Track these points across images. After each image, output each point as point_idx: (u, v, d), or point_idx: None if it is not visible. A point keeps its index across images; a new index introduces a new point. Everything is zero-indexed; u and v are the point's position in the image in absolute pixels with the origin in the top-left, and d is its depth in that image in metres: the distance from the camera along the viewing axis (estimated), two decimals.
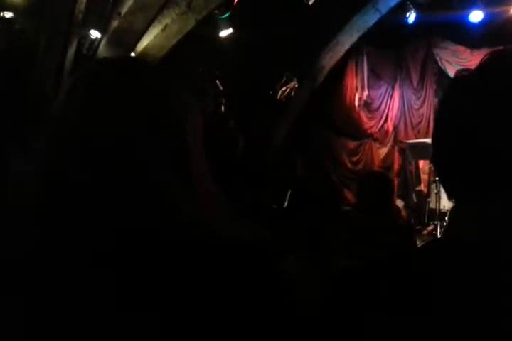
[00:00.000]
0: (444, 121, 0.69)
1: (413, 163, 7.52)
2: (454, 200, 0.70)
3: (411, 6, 6.55)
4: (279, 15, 5.87)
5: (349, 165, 7.48)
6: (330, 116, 7.37)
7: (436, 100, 7.73)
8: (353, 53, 7.28)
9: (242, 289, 0.62)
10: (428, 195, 7.11)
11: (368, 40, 7.01)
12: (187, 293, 0.61)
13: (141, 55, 4.62)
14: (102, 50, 4.38)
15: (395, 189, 7.44)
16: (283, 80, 6.73)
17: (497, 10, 6.67)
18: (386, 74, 7.74)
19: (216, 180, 0.71)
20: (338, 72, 7.21)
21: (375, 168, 7.34)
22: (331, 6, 5.78)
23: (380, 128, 7.74)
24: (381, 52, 7.58)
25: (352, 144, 7.61)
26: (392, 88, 7.80)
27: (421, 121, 7.69)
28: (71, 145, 0.66)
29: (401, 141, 7.47)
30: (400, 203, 7.28)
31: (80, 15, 4.10)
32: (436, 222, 6.23)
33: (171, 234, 0.63)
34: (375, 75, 7.64)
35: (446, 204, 6.17)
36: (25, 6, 4.06)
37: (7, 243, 0.64)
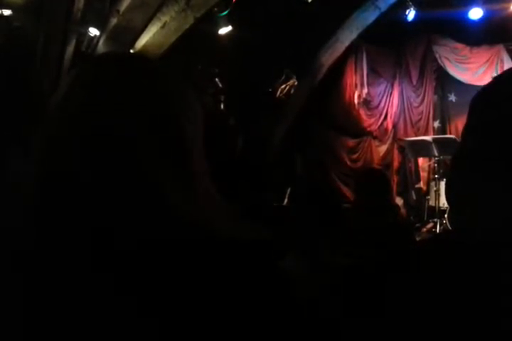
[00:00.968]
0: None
1: (412, 160, 7.52)
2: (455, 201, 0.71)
3: (410, 3, 6.54)
4: (278, 12, 5.86)
5: (348, 162, 7.48)
6: (329, 113, 7.37)
7: (435, 97, 7.73)
8: (353, 51, 7.27)
9: (243, 289, 0.62)
10: (427, 192, 7.13)
11: (368, 37, 7.00)
12: (186, 293, 0.60)
13: (140, 53, 4.60)
14: (101, 48, 4.37)
15: (395, 186, 7.44)
16: (282, 78, 6.72)
17: (496, 7, 6.66)
18: (385, 72, 7.73)
19: (215, 179, 0.71)
20: (338, 69, 7.19)
21: (375, 165, 7.34)
22: (330, 3, 5.77)
23: (379, 126, 7.73)
24: (380, 49, 7.57)
25: (351, 142, 7.60)
26: (392, 85, 7.79)
27: (420, 118, 7.69)
28: (70, 145, 0.65)
29: (400, 139, 7.47)
30: (399, 201, 7.29)
31: (79, 13, 4.09)
32: (435, 220, 6.24)
33: (170, 234, 0.62)
34: (375, 73, 7.63)
35: (445, 201, 6.18)
36: (23, 3, 4.05)
37: (6, 243, 0.64)
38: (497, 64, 7.01)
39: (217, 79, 6.02)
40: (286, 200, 5.34)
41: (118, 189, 0.63)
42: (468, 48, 7.24)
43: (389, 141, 7.77)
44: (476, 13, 6.50)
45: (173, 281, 0.61)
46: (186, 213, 0.64)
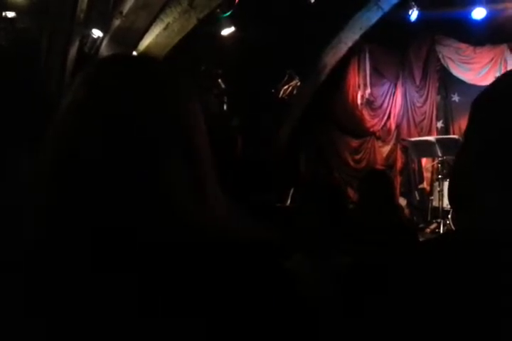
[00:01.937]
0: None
1: (416, 161, 7.50)
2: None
3: (413, 3, 6.53)
4: (281, 13, 5.86)
5: (352, 163, 7.47)
6: (332, 114, 7.36)
7: (438, 97, 7.71)
8: (356, 51, 7.27)
9: (248, 290, 0.63)
10: (431, 193, 7.11)
11: (371, 37, 6.99)
12: (192, 293, 0.61)
13: (146, 54, 4.62)
14: (104, 49, 4.38)
15: (398, 187, 7.43)
16: (285, 78, 6.71)
17: (500, 7, 6.65)
18: (388, 72, 7.71)
19: (218, 180, 0.71)
20: (341, 70, 7.19)
21: (378, 166, 7.33)
22: (333, 3, 5.77)
23: (382, 126, 7.72)
24: (383, 49, 7.56)
25: (354, 142, 7.59)
26: (395, 86, 7.78)
27: (424, 118, 7.67)
28: (80, 146, 0.65)
29: (403, 139, 7.45)
30: (402, 201, 7.27)
31: (82, 15, 4.10)
32: (439, 220, 6.22)
33: (179, 237, 0.63)
34: (378, 73, 7.62)
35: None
36: (27, 5, 4.06)
37: (8, 242, 0.64)
38: (500, 64, 6.99)
39: (220, 80, 6.03)
40: (289, 200, 5.35)
41: (128, 192, 0.63)
42: (471, 48, 7.22)
43: (392, 142, 7.76)
44: (479, 13, 6.49)
45: (180, 282, 0.61)
46: (196, 216, 0.65)
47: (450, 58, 7.37)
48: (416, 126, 7.70)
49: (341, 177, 7.17)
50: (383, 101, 7.71)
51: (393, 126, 7.75)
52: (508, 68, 6.57)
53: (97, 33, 4.34)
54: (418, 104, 7.74)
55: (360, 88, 7.45)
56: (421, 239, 4.20)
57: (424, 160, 7.46)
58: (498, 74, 6.40)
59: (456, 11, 6.63)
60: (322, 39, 6.64)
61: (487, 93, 0.72)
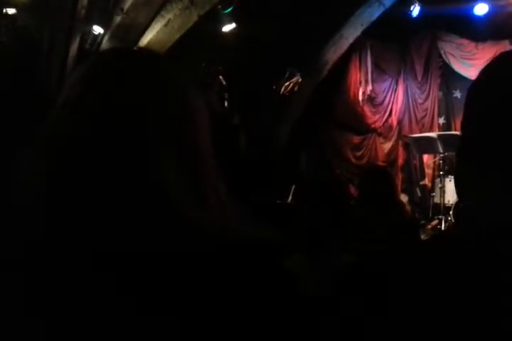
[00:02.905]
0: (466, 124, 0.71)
1: (417, 157, 7.49)
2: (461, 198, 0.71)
3: None
4: (282, 9, 5.84)
5: (353, 159, 7.46)
6: (334, 110, 7.35)
7: (440, 94, 7.69)
8: (357, 47, 7.24)
9: (247, 290, 0.62)
10: (432, 189, 7.09)
11: (372, 33, 6.96)
12: (192, 297, 0.60)
13: (145, 48, 4.61)
14: (105, 46, 4.37)
15: (399, 183, 7.42)
16: (286, 75, 6.69)
17: (502, 3, 6.62)
18: (390, 68, 7.69)
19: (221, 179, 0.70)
20: (342, 66, 7.17)
21: (379, 162, 7.31)
22: None
23: (384, 123, 7.70)
24: (385, 45, 7.54)
25: (356, 139, 7.58)
26: (396, 82, 7.75)
27: (425, 115, 7.65)
28: (78, 144, 0.64)
29: (405, 135, 7.44)
30: (404, 198, 7.25)
31: (83, 11, 4.09)
32: (440, 217, 6.22)
33: (179, 244, 0.62)
34: (379, 69, 7.60)
35: (450, 198, 6.16)
36: (27, 2, 4.06)
37: (8, 241, 0.64)
38: None
39: (221, 77, 6.01)
40: (290, 198, 5.34)
41: (125, 192, 0.62)
42: (473, 44, 7.19)
43: (394, 138, 7.74)
44: (481, 9, 6.46)
45: (179, 284, 0.60)
46: (195, 217, 0.64)
47: (452, 54, 7.35)
48: (418, 122, 7.68)
49: (342, 174, 7.16)
50: (385, 97, 7.69)
51: (395, 123, 7.74)
52: None
53: (98, 29, 4.34)
54: (420, 101, 7.72)
55: (361, 84, 7.43)
56: (422, 236, 4.20)
57: (425, 157, 7.44)
58: None
59: (458, 6, 6.60)
60: (323, 35, 6.62)
61: (479, 82, 0.72)
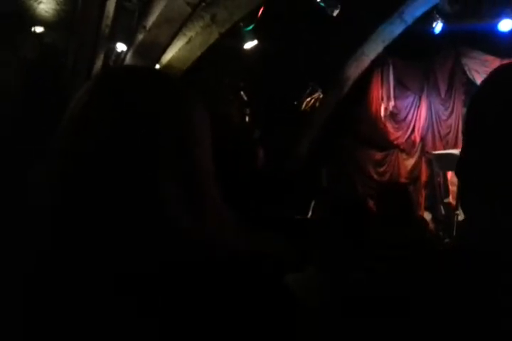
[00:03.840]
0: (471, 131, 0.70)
1: (441, 174, 7.37)
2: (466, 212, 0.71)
3: (437, 15, 6.48)
4: (304, 26, 5.89)
5: (375, 176, 7.39)
6: (355, 126, 7.31)
7: (465, 110, 7.59)
8: (379, 63, 7.23)
9: (244, 306, 0.62)
10: (457, 207, 6.94)
11: (394, 50, 6.95)
12: (188, 308, 0.60)
13: (166, 67, 4.70)
14: (128, 63, 4.47)
15: (422, 201, 7.29)
16: (308, 91, 6.72)
17: None
18: (413, 85, 7.64)
19: (239, 193, 0.70)
20: (364, 82, 7.16)
21: (402, 179, 7.23)
22: (356, 16, 5.77)
23: (406, 139, 7.62)
24: (407, 62, 7.51)
25: (378, 155, 7.52)
26: (419, 98, 7.69)
27: (449, 132, 7.55)
28: (84, 158, 0.65)
29: (428, 152, 7.34)
30: (427, 215, 7.13)
31: (107, 30, 4.21)
32: None
33: (177, 256, 0.62)
34: (402, 86, 7.56)
35: None
36: (55, 21, 4.19)
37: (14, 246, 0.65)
38: None
39: (242, 92, 6.07)
40: (310, 213, 5.31)
41: (127, 209, 0.63)
42: (498, 60, 7.09)
43: (417, 155, 7.65)
44: (506, 25, 6.39)
45: (173, 299, 0.60)
46: (192, 231, 0.64)
47: (476, 70, 7.26)
48: (441, 139, 7.58)
49: (364, 191, 7.08)
50: (407, 113, 7.63)
51: (418, 139, 7.65)
52: None
53: (121, 46, 4.44)
54: (443, 117, 7.63)
55: (383, 100, 7.39)
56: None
57: (449, 174, 7.32)
58: None
59: (482, 23, 6.54)
60: (345, 52, 6.64)
61: (476, 100, 0.71)
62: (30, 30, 4.17)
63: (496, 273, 0.59)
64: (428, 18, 6.50)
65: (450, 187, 7.38)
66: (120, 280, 0.60)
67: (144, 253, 0.61)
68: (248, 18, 5.26)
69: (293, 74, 6.17)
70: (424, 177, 7.59)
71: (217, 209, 0.69)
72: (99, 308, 0.60)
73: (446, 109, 7.61)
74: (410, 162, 7.63)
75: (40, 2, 3.96)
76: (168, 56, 4.73)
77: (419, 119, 7.66)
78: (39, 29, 4.20)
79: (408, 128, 7.62)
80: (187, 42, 4.74)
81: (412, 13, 6.39)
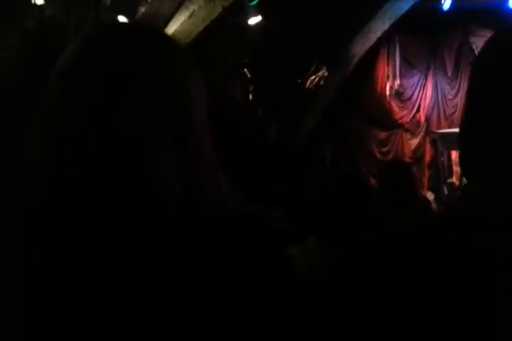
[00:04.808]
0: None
1: (445, 154, 7.33)
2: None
3: None
4: (309, 2, 5.79)
5: (378, 155, 7.36)
6: (360, 105, 7.26)
7: None
8: (385, 41, 7.12)
9: (228, 265, 0.60)
10: (460, 187, 6.93)
11: (401, 27, 6.82)
12: (174, 267, 0.59)
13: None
14: None
15: (426, 181, 7.28)
16: (312, 69, 6.65)
17: None
18: (419, 63, 7.54)
19: (245, 171, 0.68)
20: (369, 60, 7.07)
21: (406, 158, 7.19)
22: None
23: (411, 119, 7.56)
24: (414, 40, 7.39)
25: (382, 134, 7.47)
26: (426, 77, 7.59)
27: (455, 111, 7.48)
28: (72, 119, 0.63)
29: (433, 131, 7.29)
30: (430, 196, 7.11)
31: (108, 2, 4.16)
32: None
33: (164, 211, 0.60)
34: (408, 64, 7.46)
35: None
36: None
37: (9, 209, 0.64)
38: None
39: (246, 70, 6.02)
40: (312, 191, 5.31)
41: (115, 167, 0.61)
42: None
43: (421, 134, 7.59)
44: None
45: (158, 256, 0.59)
46: (184, 192, 0.63)
47: None
48: (447, 118, 7.51)
49: (367, 170, 7.07)
50: (413, 92, 7.55)
51: (423, 119, 7.59)
52: None
53: (122, 19, 4.39)
54: (449, 96, 7.54)
55: (389, 79, 7.31)
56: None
57: (454, 154, 7.27)
58: None
59: (492, 0, 6.41)
60: (351, 29, 6.53)
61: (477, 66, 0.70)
62: (31, 2, 4.12)
63: (495, 269, 0.58)
64: None
65: (454, 167, 7.34)
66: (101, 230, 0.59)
67: (129, 207, 0.60)
68: None
69: (298, 51, 6.09)
70: (427, 157, 7.56)
71: (215, 182, 0.67)
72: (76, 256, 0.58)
73: (452, 88, 7.52)
74: (414, 142, 7.58)
75: None
76: (170, 30, 4.67)
77: (425, 98, 7.58)
78: (40, 1, 4.16)
79: (413, 107, 7.55)
80: (189, 17, 4.67)
81: None
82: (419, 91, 7.58)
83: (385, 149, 7.44)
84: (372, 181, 6.84)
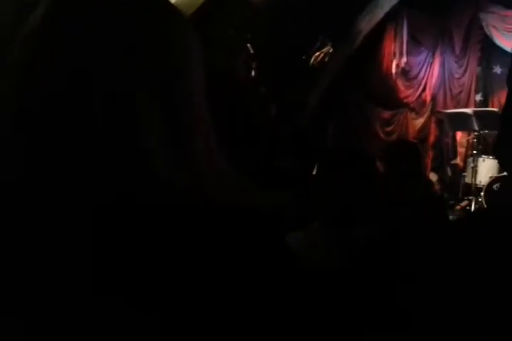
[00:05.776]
0: None
1: (450, 135, 7.24)
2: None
3: None
4: None
5: (382, 135, 7.26)
6: (365, 83, 7.13)
7: (479, 69, 7.35)
8: (393, 17, 6.95)
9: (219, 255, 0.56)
10: (464, 169, 6.86)
11: (409, 2, 6.66)
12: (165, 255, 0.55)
13: None
14: None
15: (429, 162, 7.21)
16: (317, 45, 6.50)
17: None
18: (427, 40, 7.36)
19: (246, 145, 0.63)
20: (376, 36, 6.92)
21: (410, 139, 7.10)
22: None
23: (417, 98, 7.43)
24: (423, 16, 7.19)
25: (386, 113, 7.36)
26: (433, 55, 7.42)
27: (461, 91, 7.34)
28: (44, 88, 0.56)
29: (439, 111, 7.17)
30: (433, 177, 7.06)
31: None
32: (470, 198, 6.01)
33: (157, 200, 0.55)
34: (415, 41, 7.28)
35: (482, 179, 5.93)
36: None
37: None
38: None
39: (249, 45, 5.87)
40: (315, 169, 5.25)
41: (101, 148, 0.55)
42: None
43: (426, 114, 7.48)
44: None
45: (144, 243, 0.54)
46: (175, 176, 0.57)
47: (494, 26, 6.95)
48: (453, 98, 7.38)
49: (370, 150, 6.98)
50: (419, 71, 7.39)
51: (428, 98, 7.45)
52: None
53: None
54: (456, 75, 7.39)
55: (395, 56, 7.15)
56: (450, 217, 4.08)
57: (459, 135, 7.19)
58: None
59: None
60: (357, 4, 6.37)
61: None
62: None
63: None
64: None
65: (458, 148, 7.27)
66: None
67: (117, 192, 0.55)
68: None
69: (302, 27, 5.94)
70: (432, 138, 7.47)
71: (209, 157, 0.61)
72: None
73: (459, 67, 7.36)
74: (419, 122, 7.48)
75: None
76: (171, 1, 4.50)
77: (432, 77, 7.42)
78: None
79: (419, 86, 7.41)
80: None
81: None
82: (426, 70, 7.42)
83: (389, 129, 7.33)
84: (374, 160, 6.77)
